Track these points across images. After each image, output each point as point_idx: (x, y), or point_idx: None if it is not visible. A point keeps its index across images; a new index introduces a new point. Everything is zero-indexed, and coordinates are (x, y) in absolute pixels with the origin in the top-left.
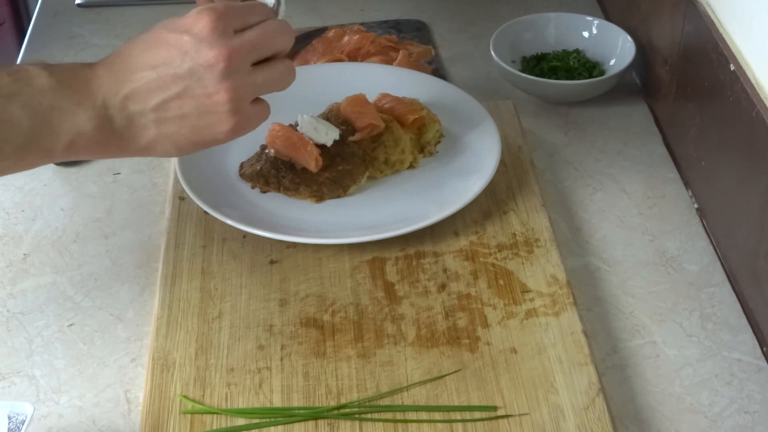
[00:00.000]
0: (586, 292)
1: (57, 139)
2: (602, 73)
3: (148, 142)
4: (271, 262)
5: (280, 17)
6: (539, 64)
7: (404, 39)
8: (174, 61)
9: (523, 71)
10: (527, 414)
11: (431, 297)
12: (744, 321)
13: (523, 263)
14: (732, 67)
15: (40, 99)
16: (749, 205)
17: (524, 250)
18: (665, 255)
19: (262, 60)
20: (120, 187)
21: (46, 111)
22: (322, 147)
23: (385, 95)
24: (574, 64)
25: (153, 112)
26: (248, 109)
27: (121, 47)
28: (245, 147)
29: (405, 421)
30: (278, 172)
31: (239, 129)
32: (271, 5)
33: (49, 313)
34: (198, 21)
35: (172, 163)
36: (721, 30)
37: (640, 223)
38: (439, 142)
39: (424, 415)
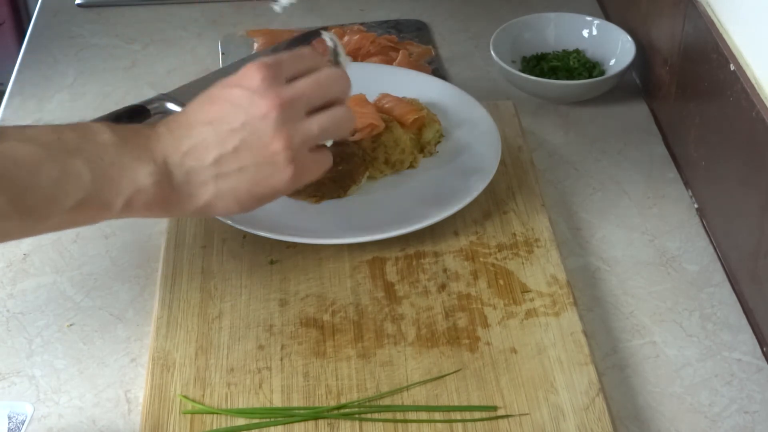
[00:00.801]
0: (586, 292)
1: (117, 194)
2: (602, 73)
3: (208, 200)
4: (271, 262)
5: (341, 59)
6: (539, 64)
7: (404, 39)
8: (228, 115)
9: (523, 71)
10: (527, 414)
11: (431, 297)
12: (744, 321)
13: (523, 263)
14: (732, 67)
15: (102, 154)
16: (749, 205)
17: (524, 250)
18: (665, 255)
19: (319, 108)
20: None
21: (107, 166)
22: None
23: (385, 95)
24: (574, 64)
25: (211, 168)
26: (306, 158)
27: (184, 107)
28: None
29: (405, 421)
30: None
31: (298, 178)
32: (330, 45)
33: (49, 313)
34: (248, 74)
35: None
36: (721, 30)
37: (640, 223)
38: (439, 142)
39: (424, 415)
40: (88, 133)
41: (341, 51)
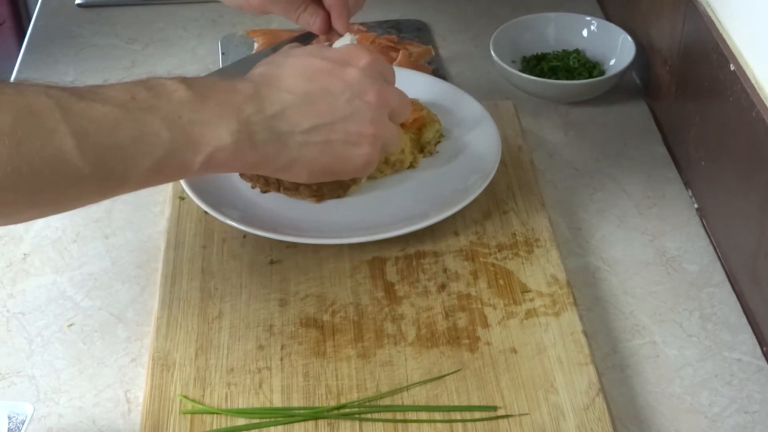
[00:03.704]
0: (586, 292)
1: (197, 152)
2: (602, 73)
3: (285, 163)
4: (271, 262)
5: None
6: (539, 64)
7: (404, 39)
8: (334, 89)
9: (523, 71)
10: (527, 414)
11: (431, 297)
12: (744, 321)
13: (523, 263)
14: (732, 67)
15: (179, 112)
16: (749, 205)
17: (524, 250)
18: (665, 255)
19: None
20: None
21: (187, 124)
22: None
23: None
24: (574, 64)
25: (301, 135)
26: (378, 150)
27: (261, 69)
28: None
29: (405, 421)
30: None
31: (369, 167)
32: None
33: (49, 313)
34: (361, 56)
35: None
36: (721, 30)
37: (640, 223)
38: (439, 142)
39: (424, 415)
40: (163, 92)
41: None
